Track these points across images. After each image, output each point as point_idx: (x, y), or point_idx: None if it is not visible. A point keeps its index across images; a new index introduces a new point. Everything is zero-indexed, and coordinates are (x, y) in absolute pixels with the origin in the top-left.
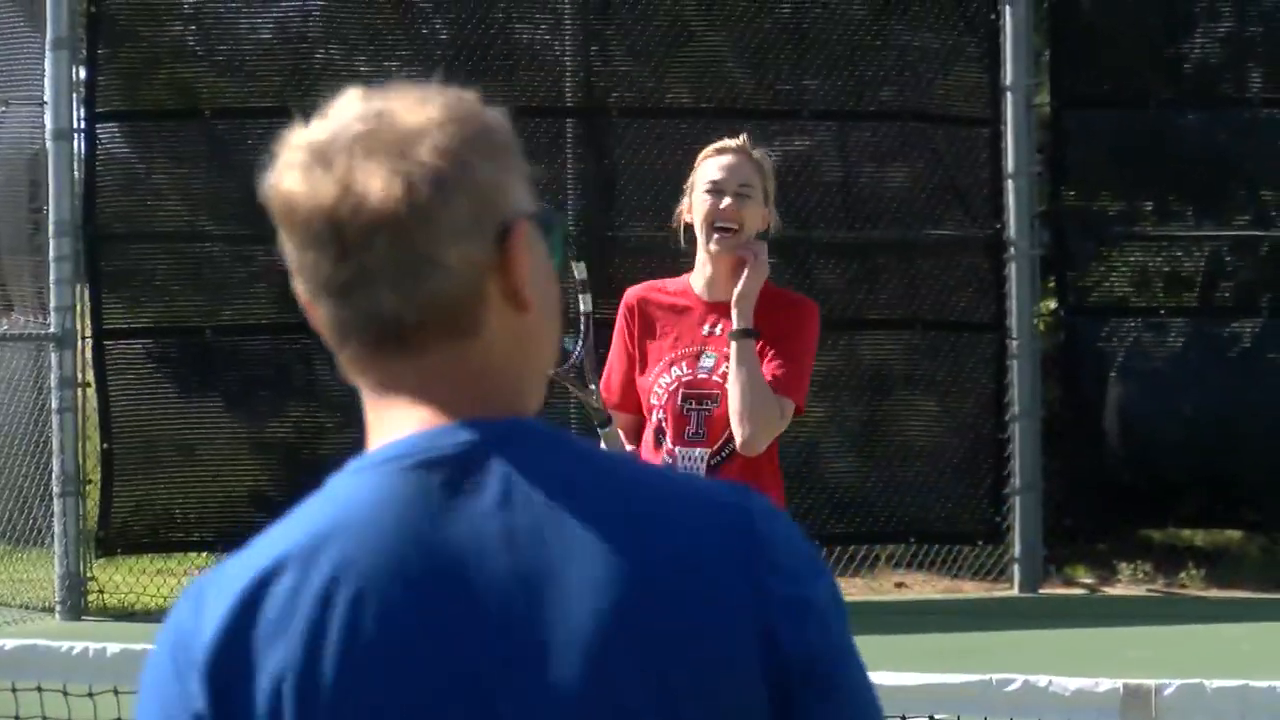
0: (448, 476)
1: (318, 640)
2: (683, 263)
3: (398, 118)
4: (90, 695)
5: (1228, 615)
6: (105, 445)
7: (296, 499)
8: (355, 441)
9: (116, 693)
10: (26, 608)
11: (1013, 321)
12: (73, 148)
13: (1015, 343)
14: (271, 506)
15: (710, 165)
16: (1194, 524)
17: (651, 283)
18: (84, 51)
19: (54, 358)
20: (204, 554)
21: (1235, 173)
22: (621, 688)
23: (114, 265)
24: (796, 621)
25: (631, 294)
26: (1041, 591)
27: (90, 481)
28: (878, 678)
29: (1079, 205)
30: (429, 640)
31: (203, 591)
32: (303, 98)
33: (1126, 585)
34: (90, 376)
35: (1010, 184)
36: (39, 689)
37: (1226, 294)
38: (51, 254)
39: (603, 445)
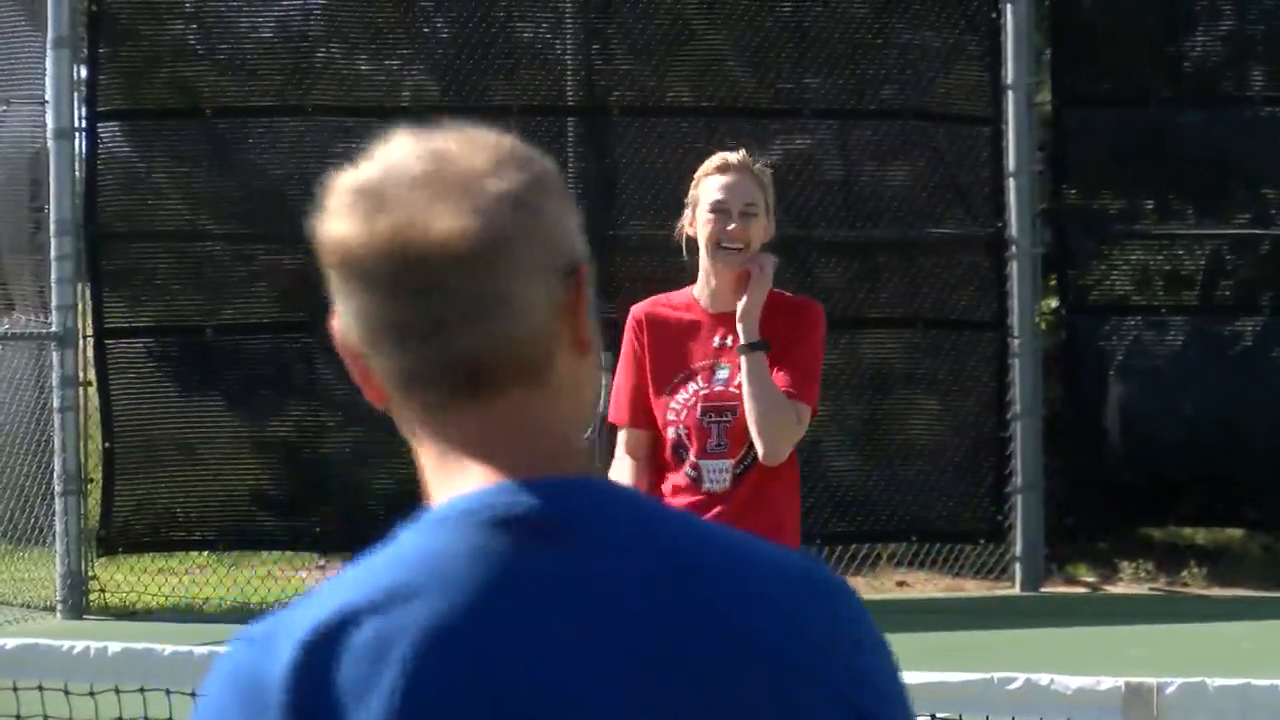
0: (533, 533)
1: (418, 692)
2: (684, 262)
3: (459, 158)
4: (92, 694)
5: (1229, 614)
6: (107, 444)
7: (297, 498)
8: (356, 441)
9: (118, 692)
10: (28, 607)
11: (1014, 320)
12: (74, 147)
13: (1016, 341)
14: (273, 505)
15: (713, 184)
16: (1195, 523)
17: (655, 298)
18: (85, 50)
19: (55, 357)
20: (205, 553)
21: (1236, 171)
22: None
23: (115, 264)
24: (882, 701)
25: (638, 309)
26: (1043, 590)
27: (92, 480)
28: None
29: (1080, 204)
30: (533, 699)
31: (271, 636)
32: (304, 96)
33: (1128, 584)
34: (92, 375)
35: (1011, 182)
36: (40, 688)
37: (1227, 292)
38: (53, 253)
39: None
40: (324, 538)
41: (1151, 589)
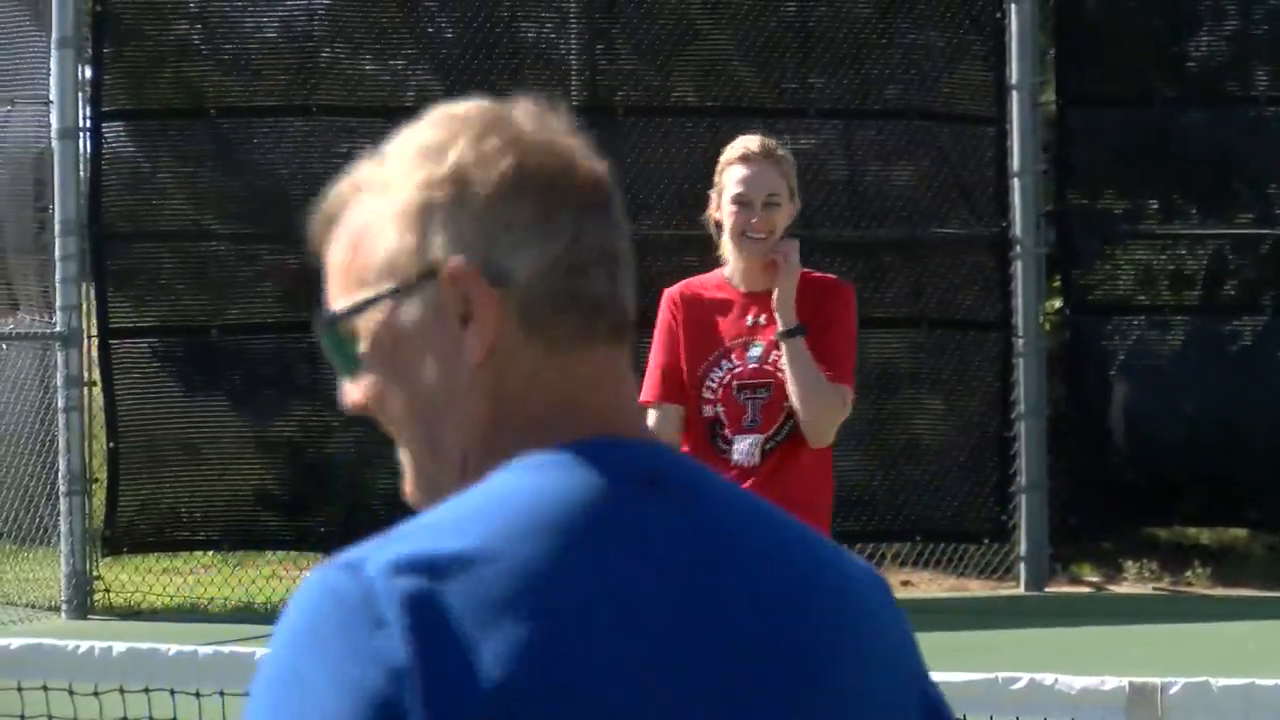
0: (649, 483)
1: (553, 636)
2: (685, 263)
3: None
4: (96, 694)
5: (1233, 614)
6: (111, 444)
7: (302, 498)
8: (360, 441)
9: (122, 692)
10: (33, 606)
11: (1018, 320)
12: (78, 147)
13: (1021, 341)
14: (277, 505)
15: (735, 175)
16: (1199, 522)
17: (688, 280)
18: (89, 50)
19: (60, 357)
20: (209, 553)
21: (1240, 171)
22: (869, 705)
23: (119, 264)
24: (937, 689)
25: (673, 290)
26: (1047, 590)
27: (96, 480)
28: None
29: (1084, 204)
30: (659, 641)
31: (364, 563)
32: (308, 96)
33: (1132, 584)
34: (96, 375)
35: (1015, 182)
36: (45, 688)
37: (1232, 291)
38: (57, 253)
39: None
40: (328, 538)
41: (1156, 589)
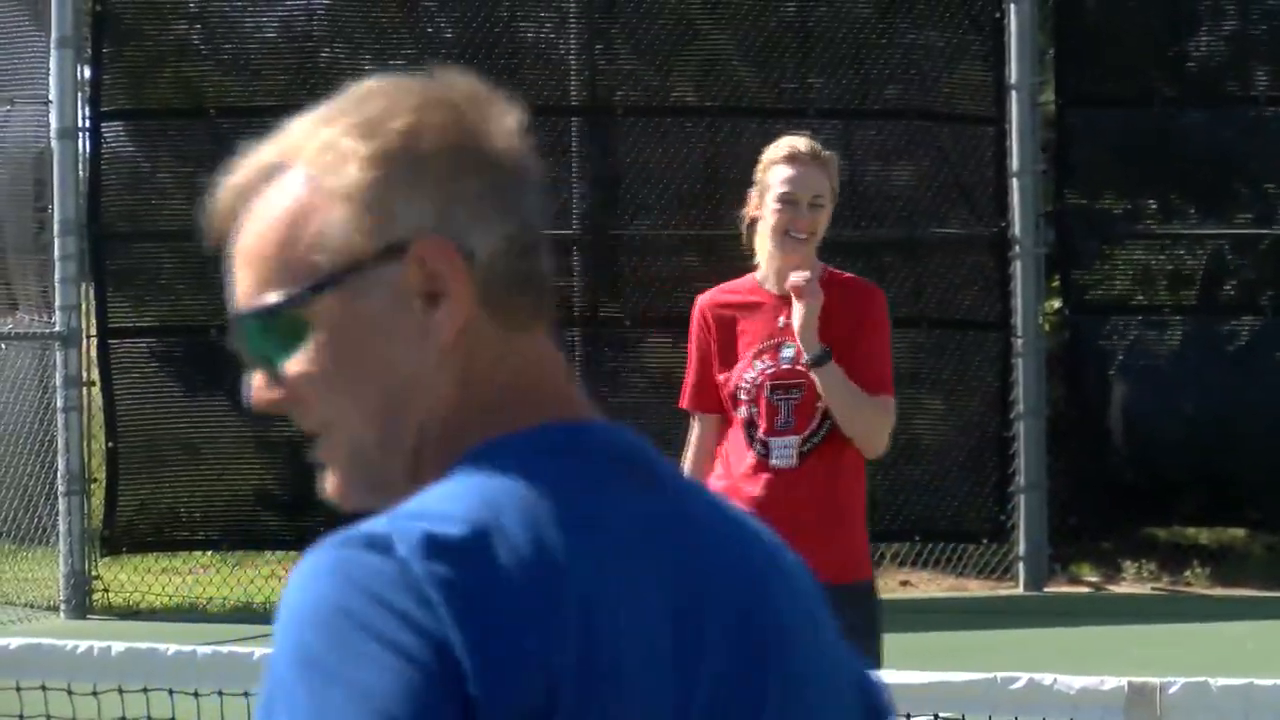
0: (626, 464)
1: (589, 619)
2: (689, 263)
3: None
4: (95, 694)
5: (1232, 614)
6: (110, 444)
7: (301, 498)
8: None
9: (121, 692)
10: (31, 606)
11: (1018, 320)
12: (78, 146)
13: (1020, 341)
14: (276, 505)
15: (780, 174)
16: (1197, 522)
17: (718, 287)
18: (89, 50)
19: (59, 356)
20: (208, 553)
21: (1239, 171)
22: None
23: (119, 264)
24: (859, 661)
25: (704, 299)
26: (1046, 590)
27: (95, 480)
28: (883, 676)
29: (1083, 204)
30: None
31: (390, 542)
32: (308, 97)
33: (1131, 584)
34: (95, 375)
35: (1015, 182)
36: (44, 688)
37: (1231, 291)
38: (56, 253)
39: None
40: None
41: (1155, 589)
